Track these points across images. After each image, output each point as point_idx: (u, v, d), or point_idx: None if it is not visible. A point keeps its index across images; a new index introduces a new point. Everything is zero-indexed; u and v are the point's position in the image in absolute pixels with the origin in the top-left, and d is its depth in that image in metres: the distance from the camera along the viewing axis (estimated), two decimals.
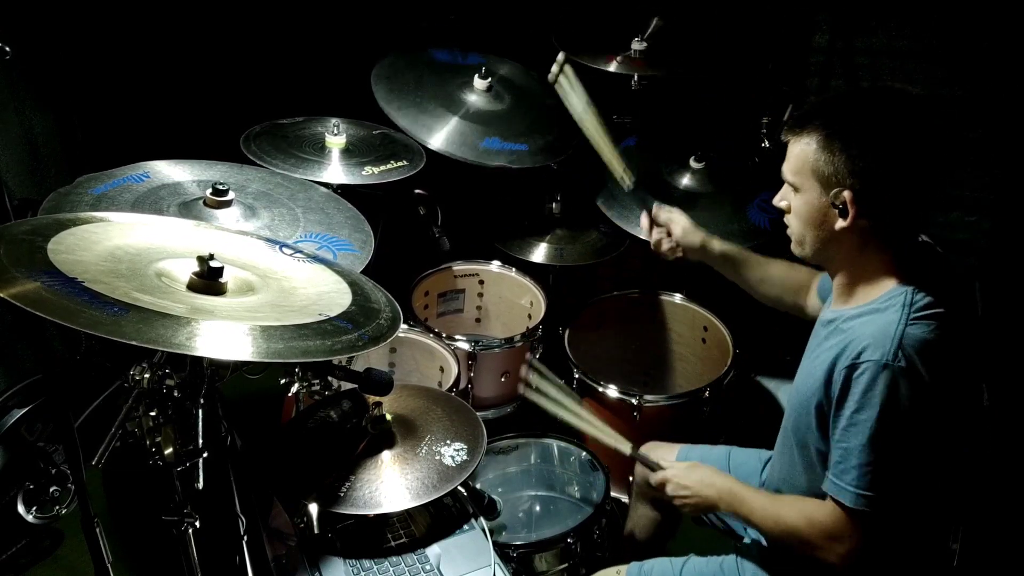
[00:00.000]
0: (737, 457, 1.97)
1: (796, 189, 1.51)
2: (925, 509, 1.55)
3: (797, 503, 1.59)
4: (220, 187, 1.82)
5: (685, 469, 1.78)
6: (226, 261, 1.36)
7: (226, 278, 1.35)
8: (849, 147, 1.41)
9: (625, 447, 1.94)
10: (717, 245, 1.98)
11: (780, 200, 1.58)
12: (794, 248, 1.59)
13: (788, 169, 1.51)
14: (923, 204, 1.48)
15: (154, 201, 1.81)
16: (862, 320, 1.47)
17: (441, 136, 2.51)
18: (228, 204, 1.84)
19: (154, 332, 1.12)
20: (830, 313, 1.58)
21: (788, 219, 1.57)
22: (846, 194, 1.42)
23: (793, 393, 1.63)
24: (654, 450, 1.99)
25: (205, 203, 1.83)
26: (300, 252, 1.60)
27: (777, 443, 1.73)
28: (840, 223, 1.45)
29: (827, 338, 1.54)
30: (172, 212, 1.79)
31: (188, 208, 1.82)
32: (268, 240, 1.63)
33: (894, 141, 1.41)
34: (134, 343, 1.08)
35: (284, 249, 1.59)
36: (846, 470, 1.43)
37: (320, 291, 1.46)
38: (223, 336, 1.18)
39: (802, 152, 1.47)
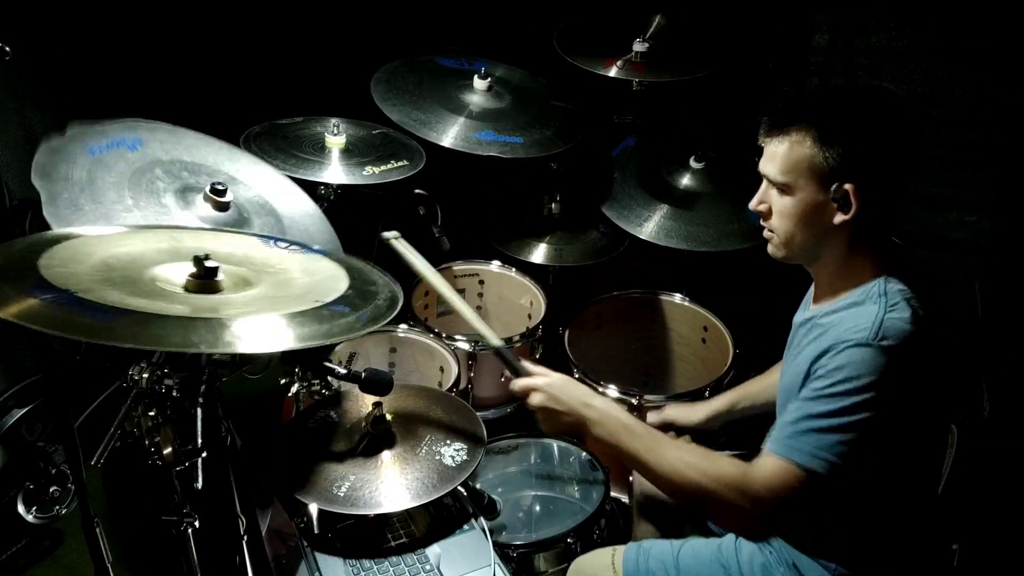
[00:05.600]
0: None
1: (785, 188, 1.50)
2: (896, 491, 1.54)
3: (713, 454, 1.49)
4: (219, 187, 1.82)
5: (562, 381, 1.64)
6: (220, 259, 1.37)
7: (221, 276, 1.36)
8: (847, 140, 1.43)
9: (493, 339, 1.78)
10: (718, 404, 2.01)
11: (759, 204, 1.57)
12: (775, 250, 1.58)
13: (776, 169, 1.50)
14: (903, 196, 1.50)
15: (150, 180, 1.77)
16: (841, 314, 1.49)
17: (436, 130, 2.50)
18: (227, 207, 1.83)
19: (148, 333, 1.12)
20: (807, 313, 1.60)
21: (771, 222, 1.56)
22: (848, 187, 1.43)
23: (780, 396, 1.64)
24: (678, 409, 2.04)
25: (204, 198, 1.82)
26: (295, 244, 1.60)
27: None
28: (840, 217, 1.46)
29: (806, 335, 1.55)
30: (167, 199, 1.77)
31: (184, 197, 1.80)
32: (262, 237, 1.63)
33: (885, 133, 1.44)
34: (128, 345, 1.08)
35: (279, 243, 1.59)
36: (805, 432, 1.39)
37: (316, 279, 1.46)
38: (219, 332, 1.18)
39: (793, 150, 1.47)
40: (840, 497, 1.45)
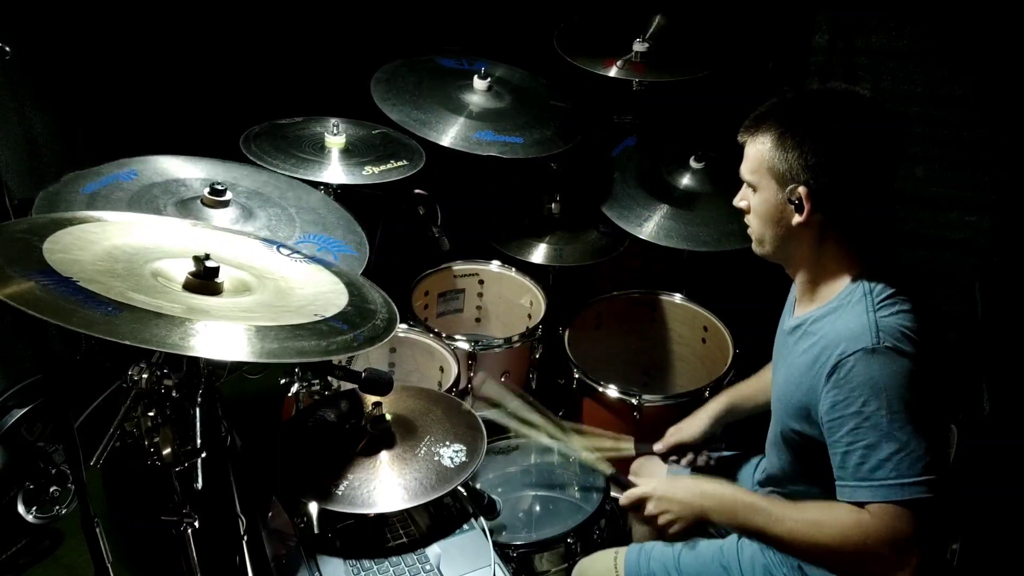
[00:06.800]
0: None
1: (754, 188, 1.54)
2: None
3: (833, 511, 1.42)
4: (218, 187, 1.82)
5: (665, 482, 1.67)
6: (222, 261, 1.36)
7: (222, 278, 1.35)
8: (802, 144, 1.44)
9: (605, 468, 1.90)
10: (714, 410, 1.96)
11: (739, 200, 1.61)
12: (755, 248, 1.62)
13: (745, 169, 1.55)
14: (875, 199, 1.49)
15: (149, 200, 1.80)
16: (829, 320, 1.49)
17: (436, 130, 2.50)
18: (226, 204, 1.84)
19: (148, 332, 1.11)
20: (794, 320, 1.60)
21: (748, 219, 1.60)
22: (801, 190, 1.46)
23: (775, 403, 1.64)
24: (644, 465, 1.98)
25: (202, 202, 1.83)
26: (297, 252, 1.60)
27: (768, 449, 1.72)
28: (797, 219, 1.48)
29: (797, 343, 1.56)
30: (170, 212, 1.79)
31: (185, 207, 1.82)
32: (265, 240, 1.63)
33: (844, 137, 1.44)
34: (127, 343, 1.08)
35: (281, 249, 1.59)
36: (877, 466, 1.36)
37: (317, 291, 1.46)
38: (217, 336, 1.17)
39: (757, 151, 1.51)
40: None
